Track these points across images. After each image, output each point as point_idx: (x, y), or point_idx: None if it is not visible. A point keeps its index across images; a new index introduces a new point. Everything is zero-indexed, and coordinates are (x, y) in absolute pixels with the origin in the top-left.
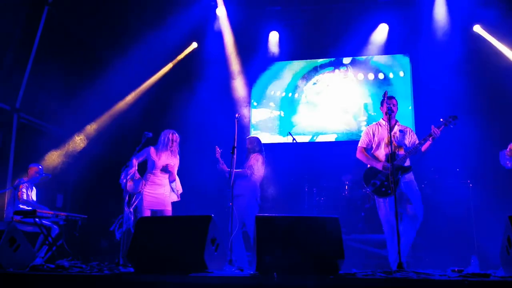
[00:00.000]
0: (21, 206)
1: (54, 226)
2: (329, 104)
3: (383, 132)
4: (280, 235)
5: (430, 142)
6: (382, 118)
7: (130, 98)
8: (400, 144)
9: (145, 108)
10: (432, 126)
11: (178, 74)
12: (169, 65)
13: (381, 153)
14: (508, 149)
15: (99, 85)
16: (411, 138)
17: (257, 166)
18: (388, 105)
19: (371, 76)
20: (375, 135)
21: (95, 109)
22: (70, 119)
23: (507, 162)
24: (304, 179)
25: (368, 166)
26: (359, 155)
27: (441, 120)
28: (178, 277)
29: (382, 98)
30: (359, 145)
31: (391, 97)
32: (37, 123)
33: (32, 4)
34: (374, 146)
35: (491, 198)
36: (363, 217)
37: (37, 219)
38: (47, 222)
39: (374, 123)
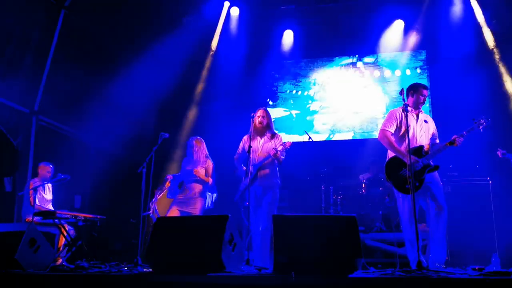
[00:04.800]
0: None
1: (71, 227)
2: (345, 102)
3: (410, 120)
4: (297, 234)
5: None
6: (409, 105)
7: (147, 98)
8: (428, 138)
9: (161, 109)
10: (455, 136)
11: (194, 74)
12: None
13: (405, 144)
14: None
15: (116, 87)
16: (433, 129)
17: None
18: (422, 96)
19: (387, 73)
20: (402, 122)
21: (112, 111)
22: (88, 120)
23: None
24: (320, 177)
25: (392, 155)
26: (383, 139)
27: (474, 120)
28: (196, 277)
29: (416, 86)
30: (383, 127)
31: (426, 87)
32: (56, 126)
33: (49, 7)
34: (401, 133)
35: (511, 195)
36: (381, 215)
37: (56, 220)
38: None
39: (398, 107)
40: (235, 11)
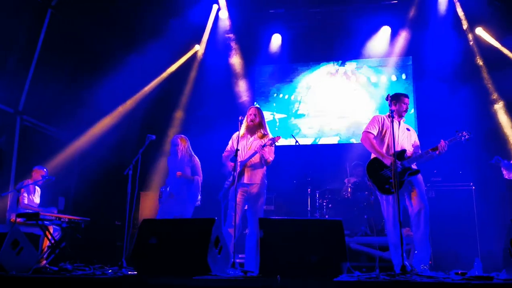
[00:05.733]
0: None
1: (57, 228)
2: (332, 106)
3: (390, 126)
4: (283, 238)
5: (431, 154)
6: (389, 113)
7: (132, 100)
8: (409, 144)
9: (147, 110)
10: (442, 141)
11: (180, 77)
12: (172, 67)
13: (387, 147)
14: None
15: (102, 88)
16: (415, 139)
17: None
18: (403, 104)
19: (373, 78)
20: (384, 126)
21: (98, 112)
22: (73, 121)
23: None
24: (307, 181)
25: (373, 156)
26: (366, 141)
27: (457, 132)
28: (182, 280)
29: (397, 95)
30: (366, 129)
31: (407, 96)
32: (40, 126)
33: (35, 7)
34: (381, 136)
35: (494, 201)
36: (366, 219)
37: (40, 222)
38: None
39: (381, 114)
40: (223, 14)
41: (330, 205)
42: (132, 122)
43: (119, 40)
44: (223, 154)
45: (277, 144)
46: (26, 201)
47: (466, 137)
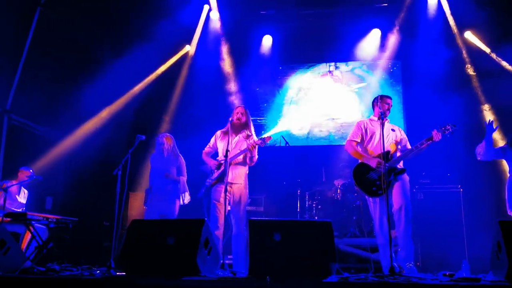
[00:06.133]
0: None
1: (44, 228)
2: (322, 108)
3: (375, 128)
4: (272, 239)
5: (428, 144)
6: (373, 115)
7: (122, 100)
8: (395, 143)
9: (137, 110)
10: (435, 130)
11: (171, 77)
12: (162, 68)
13: (374, 149)
14: None
15: (91, 87)
16: (401, 138)
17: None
18: (385, 104)
19: (363, 81)
20: (368, 130)
21: (87, 111)
22: (61, 120)
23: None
24: (296, 182)
25: (359, 161)
26: (349, 148)
27: (440, 126)
28: (171, 281)
29: (379, 97)
30: (349, 138)
31: (389, 97)
32: (28, 125)
33: (24, 4)
34: (365, 141)
35: (481, 203)
36: (355, 221)
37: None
38: (38, 225)
39: (364, 119)
40: (214, 15)
41: (319, 207)
42: (121, 122)
43: (108, 40)
44: (203, 151)
45: (267, 144)
46: (7, 205)
47: (450, 130)
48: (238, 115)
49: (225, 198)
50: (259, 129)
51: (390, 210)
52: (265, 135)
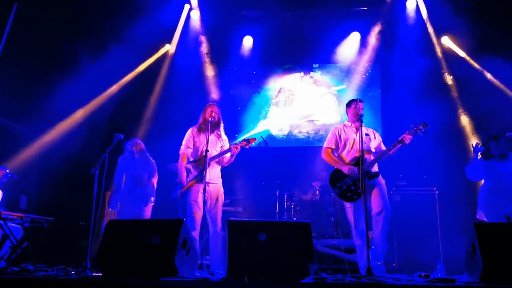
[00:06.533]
0: None
1: (18, 227)
2: (301, 109)
3: (349, 134)
4: (251, 239)
5: (398, 147)
6: (347, 120)
7: (100, 99)
8: (367, 149)
9: (116, 109)
10: (407, 132)
11: (150, 76)
12: (142, 67)
13: (348, 155)
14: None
15: (68, 86)
16: (377, 141)
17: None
18: (356, 109)
19: (342, 83)
20: (342, 137)
21: (63, 110)
22: (37, 119)
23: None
24: (275, 183)
25: (335, 168)
26: (324, 156)
27: (412, 126)
28: (148, 281)
29: (350, 101)
30: (324, 145)
31: (359, 101)
32: (3, 123)
33: (0, 1)
34: (340, 148)
35: (457, 205)
36: (333, 222)
37: (1, 221)
38: (12, 225)
39: (339, 125)
40: (195, 14)
41: (298, 208)
42: (99, 121)
43: (86, 38)
44: (184, 153)
45: (252, 145)
46: None
47: (422, 129)
48: (213, 114)
49: (204, 198)
50: (238, 130)
51: (369, 213)
52: (245, 136)
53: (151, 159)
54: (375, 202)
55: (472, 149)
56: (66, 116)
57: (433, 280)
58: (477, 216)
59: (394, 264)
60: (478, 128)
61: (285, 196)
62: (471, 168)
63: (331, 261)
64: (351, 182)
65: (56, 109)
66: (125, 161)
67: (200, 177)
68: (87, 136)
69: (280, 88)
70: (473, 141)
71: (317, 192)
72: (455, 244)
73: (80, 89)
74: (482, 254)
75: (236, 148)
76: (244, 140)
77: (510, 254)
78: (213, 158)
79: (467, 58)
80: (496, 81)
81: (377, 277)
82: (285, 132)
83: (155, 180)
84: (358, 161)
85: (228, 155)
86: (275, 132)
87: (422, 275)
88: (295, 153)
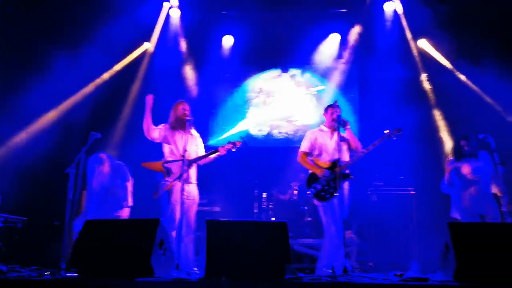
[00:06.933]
0: None
1: None
2: (279, 110)
3: (325, 138)
4: (228, 239)
5: (371, 149)
6: (324, 125)
7: (76, 97)
8: (342, 153)
9: (93, 108)
10: (382, 137)
11: (129, 75)
12: (119, 65)
13: (323, 159)
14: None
15: (43, 83)
16: (352, 145)
17: None
18: (332, 114)
19: (321, 84)
20: (317, 141)
21: (38, 108)
22: (11, 116)
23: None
24: (254, 183)
25: (310, 171)
26: (300, 160)
27: (386, 132)
28: (124, 282)
29: (327, 107)
30: (300, 149)
31: (336, 106)
32: None
33: None
34: (316, 152)
35: (432, 205)
36: (310, 222)
37: None
38: None
39: (315, 129)
40: (174, 13)
41: (276, 207)
42: (76, 120)
43: (62, 34)
44: (151, 127)
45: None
46: None
47: (396, 133)
48: (186, 111)
49: (182, 198)
50: (217, 129)
51: (340, 213)
52: (226, 135)
53: (122, 163)
54: (341, 204)
55: (446, 164)
56: (40, 115)
57: (407, 279)
58: (451, 215)
59: (370, 264)
60: (453, 131)
61: (264, 196)
62: (445, 185)
63: (308, 261)
64: (325, 182)
65: (30, 108)
66: (95, 169)
67: (181, 177)
68: (63, 135)
69: (260, 88)
70: (448, 144)
71: (295, 192)
72: (430, 243)
73: (56, 88)
74: (456, 253)
75: (224, 150)
76: (230, 142)
77: (483, 254)
78: (199, 158)
79: (444, 61)
80: (471, 85)
81: (353, 276)
82: (264, 132)
83: (129, 184)
84: (332, 164)
85: (213, 156)
86: (254, 132)
87: (397, 274)
88: (274, 153)
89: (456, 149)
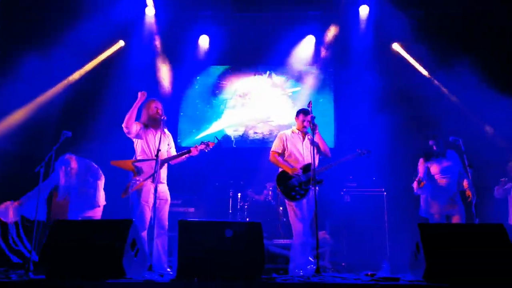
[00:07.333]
0: None
1: None
2: (256, 110)
3: (296, 141)
4: (202, 240)
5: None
6: (296, 128)
7: (48, 94)
8: (313, 157)
9: (65, 106)
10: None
11: (102, 73)
12: (93, 63)
13: (294, 161)
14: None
15: (16, 78)
16: (323, 149)
17: None
18: (303, 122)
19: (296, 86)
20: (288, 142)
21: (7, 105)
22: None
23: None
24: (229, 183)
25: (281, 169)
26: (272, 159)
27: (358, 150)
28: (94, 283)
29: (298, 111)
30: (272, 149)
31: (308, 112)
32: None
33: None
34: (286, 153)
35: (403, 206)
36: (285, 222)
37: None
38: None
39: (288, 130)
40: (150, 11)
41: (251, 208)
42: (47, 119)
43: (34, 29)
44: (130, 123)
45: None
46: None
47: (366, 154)
48: (158, 110)
49: (155, 198)
50: (192, 130)
51: (310, 214)
52: (201, 135)
53: (92, 163)
54: (311, 206)
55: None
56: (9, 112)
57: (378, 278)
58: (420, 214)
59: (343, 264)
60: (425, 133)
61: (238, 196)
62: (417, 187)
63: (282, 261)
64: (296, 183)
65: (1, 104)
66: (61, 171)
67: (153, 177)
68: (34, 132)
69: (235, 89)
70: (419, 145)
71: (270, 192)
72: (401, 244)
73: (26, 87)
74: (425, 253)
75: (197, 150)
76: (203, 143)
77: (452, 254)
78: (171, 158)
79: (416, 65)
80: (443, 88)
81: (325, 276)
82: (240, 133)
83: (100, 182)
84: (307, 167)
85: (185, 156)
86: (230, 132)
87: (369, 274)
88: (249, 154)
89: (425, 149)
